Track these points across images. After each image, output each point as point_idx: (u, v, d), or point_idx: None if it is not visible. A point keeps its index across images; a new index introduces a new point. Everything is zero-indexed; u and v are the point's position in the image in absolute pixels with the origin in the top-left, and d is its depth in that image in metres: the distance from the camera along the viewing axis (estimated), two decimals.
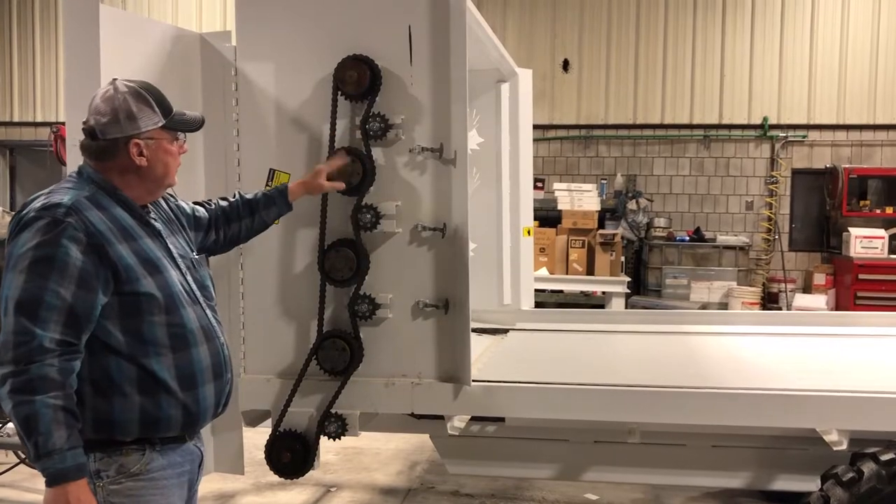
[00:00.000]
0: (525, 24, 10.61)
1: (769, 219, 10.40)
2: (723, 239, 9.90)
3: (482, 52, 4.20)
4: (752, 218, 10.49)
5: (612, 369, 3.58)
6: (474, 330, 3.75)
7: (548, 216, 8.18)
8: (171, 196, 2.56)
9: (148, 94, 2.26)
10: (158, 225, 2.35)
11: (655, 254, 9.63)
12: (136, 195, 2.29)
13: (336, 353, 3.04)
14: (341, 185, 2.95)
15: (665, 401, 2.93)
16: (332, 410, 3.05)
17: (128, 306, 2.16)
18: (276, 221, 2.91)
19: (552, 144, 10.64)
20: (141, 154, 2.24)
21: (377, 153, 3.04)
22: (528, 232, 5.16)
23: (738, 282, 9.51)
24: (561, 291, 8.28)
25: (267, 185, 3.16)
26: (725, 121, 10.53)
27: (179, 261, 2.34)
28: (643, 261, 9.87)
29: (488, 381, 3.13)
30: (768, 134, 10.42)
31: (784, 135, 10.38)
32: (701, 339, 4.39)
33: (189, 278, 2.35)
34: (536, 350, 4.24)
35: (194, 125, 2.36)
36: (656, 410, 2.92)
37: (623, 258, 8.12)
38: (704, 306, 8.94)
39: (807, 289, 10.12)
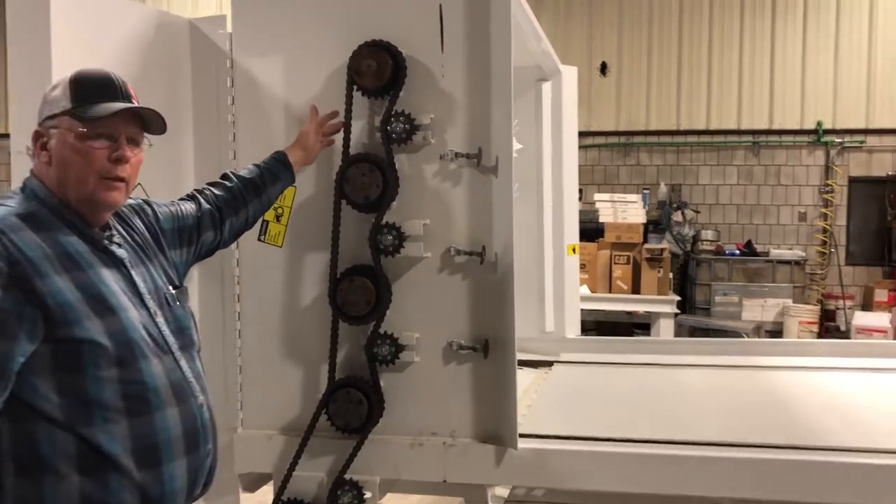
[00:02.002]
0: (560, 25, 10.03)
1: (824, 230, 9.69)
2: (776, 253, 9.19)
3: (522, 45, 3.64)
4: (806, 230, 9.79)
5: (685, 419, 2.97)
6: None
7: (586, 229, 7.58)
8: (149, 206, 2.02)
9: (80, 77, 1.74)
10: (122, 251, 1.82)
11: (703, 269, 8.96)
12: (86, 211, 1.77)
13: (350, 405, 2.47)
14: (338, 125, 2.51)
15: (773, 471, 2.31)
16: (347, 476, 2.48)
17: (65, 357, 1.62)
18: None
19: (590, 152, 10.03)
20: (44, 148, 1.74)
21: (401, 160, 2.49)
22: (574, 250, 4.60)
23: (793, 299, 8.80)
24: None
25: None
26: (776, 126, 9.85)
27: (147, 297, 1.81)
28: (690, 276, 9.20)
29: (538, 437, 2.54)
30: (823, 140, 9.72)
31: (840, 140, 9.67)
32: (778, 375, 3.76)
33: (160, 320, 1.81)
34: (588, 389, 3.64)
35: (106, 113, 1.74)
36: (762, 484, 2.30)
37: (671, 274, 7.48)
38: (759, 326, 8.26)
39: (866, 306, 9.37)
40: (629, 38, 10.07)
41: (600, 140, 10.09)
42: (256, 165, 2.36)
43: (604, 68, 10.07)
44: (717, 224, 9.84)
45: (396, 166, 2.48)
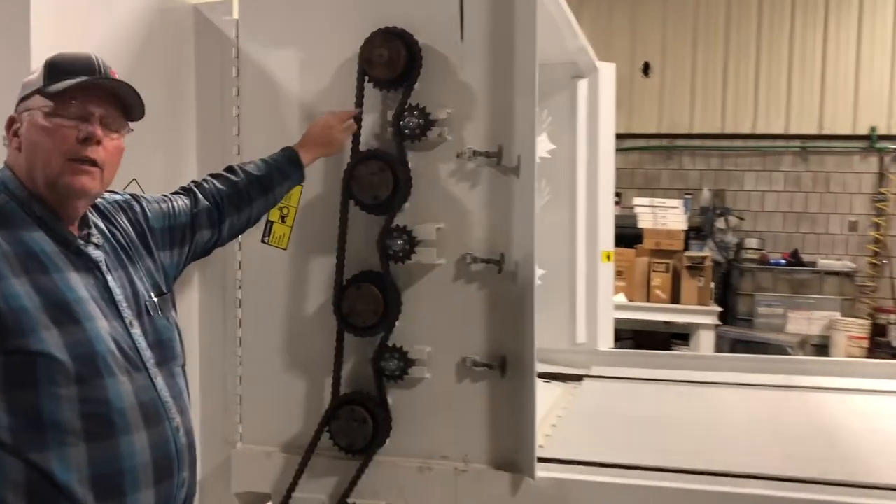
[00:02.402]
0: (602, 24, 9.74)
1: (876, 241, 9.25)
2: (825, 263, 8.80)
3: (556, 39, 3.42)
4: (857, 240, 9.36)
5: (724, 447, 2.71)
6: (541, 375, 2.96)
7: (624, 234, 7.29)
8: (137, 202, 1.85)
9: (56, 57, 1.60)
10: (98, 253, 1.64)
11: (747, 279, 8.62)
12: (55, 202, 1.60)
13: (354, 424, 2.27)
14: (354, 126, 2.30)
15: None
16: (349, 500, 2.29)
17: (16, 371, 1.45)
18: None
19: (630, 155, 9.72)
20: (16, 134, 1.59)
21: (414, 158, 2.28)
22: (608, 257, 4.34)
23: (841, 312, 8.41)
24: None
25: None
26: (826, 131, 9.45)
27: (124, 305, 1.63)
28: (732, 286, 8.85)
29: (560, 462, 2.31)
30: (876, 146, 9.29)
31: (895, 147, 9.23)
32: (827, 399, 3.47)
33: (136, 331, 1.63)
34: (619, 408, 3.39)
35: (71, 84, 1.55)
36: None
37: (712, 284, 7.16)
38: (804, 340, 7.90)
39: None
40: (673, 37, 9.76)
41: (641, 142, 9.79)
42: (265, 161, 2.17)
43: (646, 68, 9.77)
44: (762, 232, 9.48)
45: (409, 165, 2.27)
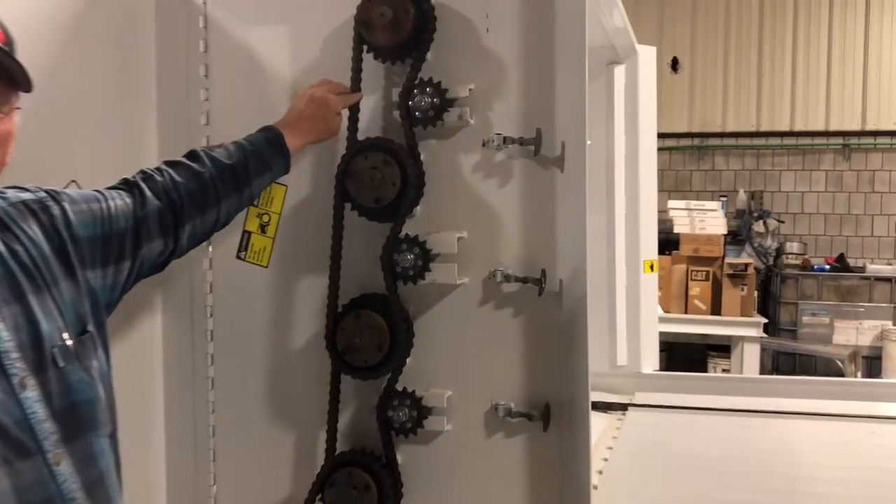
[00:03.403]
0: (627, 17, 9.22)
1: None
2: (873, 268, 8.18)
3: (590, 16, 2.94)
4: None
5: (800, 496, 2.19)
6: None
7: (658, 240, 6.76)
8: (55, 203, 1.35)
9: None
10: None
11: (789, 286, 8.02)
12: None
13: (354, 492, 1.76)
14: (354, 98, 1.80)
15: None
16: None
17: None
18: None
19: (660, 156, 9.15)
20: None
21: (427, 148, 1.78)
22: (651, 267, 3.85)
23: (893, 321, 7.79)
24: None
25: (255, 197, 1.92)
26: (870, 127, 8.88)
27: (12, 357, 1.16)
28: (773, 294, 8.27)
29: None
30: None
31: None
32: None
33: (30, 395, 1.14)
34: (678, 447, 2.87)
35: None
36: None
37: (756, 293, 6.62)
38: (855, 352, 7.31)
39: None
40: (704, 30, 9.22)
41: (671, 142, 9.25)
42: (239, 145, 1.65)
43: (675, 64, 9.23)
44: (803, 236, 8.90)
45: (421, 157, 1.77)
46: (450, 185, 1.77)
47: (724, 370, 7.18)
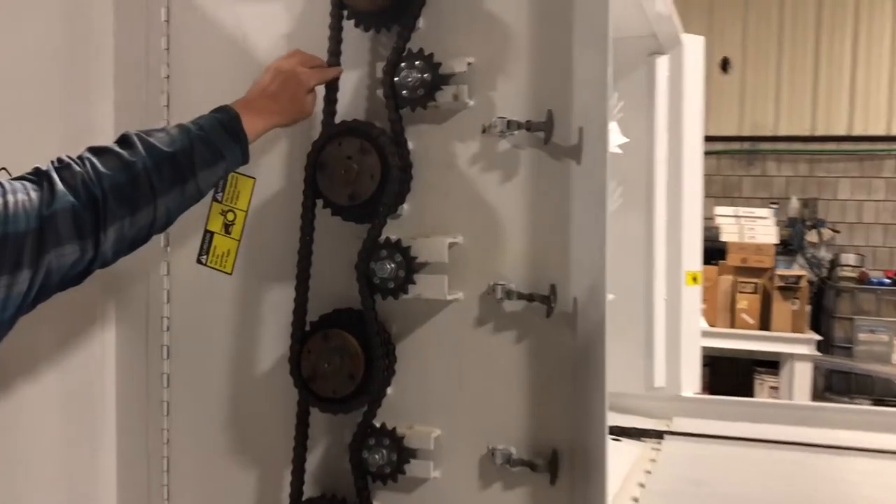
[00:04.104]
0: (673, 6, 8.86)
1: None
2: None
3: (631, 2, 2.66)
4: None
5: None
6: (610, 430, 2.15)
7: (704, 249, 6.38)
8: None
9: None
10: None
11: (844, 300, 7.60)
12: None
13: None
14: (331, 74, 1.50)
15: None
16: None
17: None
18: None
19: (707, 160, 8.75)
20: None
21: (415, 134, 1.48)
22: (694, 279, 3.51)
23: None
24: None
25: (218, 193, 1.64)
26: None
27: None
28: (826, 308, 7.81)
29: None
30: None
31: None
32: None
33: None
34: (718, 487, 2.50)
35: None
36: None
37: (808, 307, 6.20)
38: None
39: None
40: (756, 28, 8.82)
41: (720, 146, 8.88)
42: (184, 129, 1.35)
43: (725, 64, 8.87)
44: (860, 247, 8.46)
45: (408, 144, 1.46)
46: (441, 180, 1.46)
47: (771, 387, 6.77)
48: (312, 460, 1.55)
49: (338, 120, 1.48)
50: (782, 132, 8.84)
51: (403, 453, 1.46)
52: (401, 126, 1.44)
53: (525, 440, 1.43)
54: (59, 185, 1.19)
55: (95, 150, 1.27)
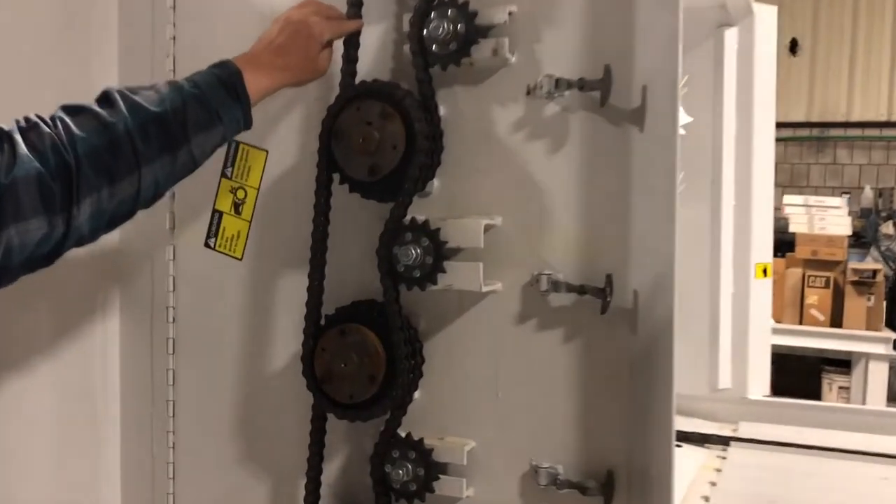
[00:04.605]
0: None
1: None
2: None
3: None
4: None
5: None
6: None
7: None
8: None
9: None
10: None
11: None
12: None
13: None
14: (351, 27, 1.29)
15: None
16: None
17: None
18: None
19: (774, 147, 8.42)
20: None
21: (448, 97, 1.27)
22: (765, 272, 3.24)
23: None
24: None
25: (227, 168, 1.45)
26: None
27: None
28: None
29: None
30: None
31: None
32: None
33: None
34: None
35: None
36: None
37: (885, 303, 5.82)
38: None
39: None
40: (828, 8, 8.39)
41: (787, 132, 8.48)
42: (176, 86, 1.15)
43: (794, 46, 8.47)
44: None
45: (438, 109, 1.25)
46: (477, 151, 1.25)
47: (840, 387, 6.39)
48: (330, 471, 1.36)
49: (358, 81, 1.28)
50: (855, 118, 8.42)
51: (432, 468, 1.26)
52: (430, 87, 1.23)
53: (574, 457, 1.21)
54: (23, 148, 1.01)
55: (69, 109, 1.08)
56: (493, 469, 1.27)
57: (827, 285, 5.72)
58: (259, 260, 1.45)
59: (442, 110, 1.26)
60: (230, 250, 1.46)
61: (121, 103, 1.09)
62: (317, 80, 1.28)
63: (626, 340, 1.18)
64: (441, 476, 1.26)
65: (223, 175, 1.45)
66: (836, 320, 5.72)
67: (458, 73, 1.24)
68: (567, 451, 1.22)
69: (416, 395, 1.29)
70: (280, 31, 1.23)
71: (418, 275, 1.22)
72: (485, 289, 1.22)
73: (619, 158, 1.18)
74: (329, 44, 1.27)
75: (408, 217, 1.23)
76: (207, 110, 1.14)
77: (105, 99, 1.10)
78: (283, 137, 1.41)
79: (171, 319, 1.52)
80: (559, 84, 1.18)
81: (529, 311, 1.24)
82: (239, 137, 1.45)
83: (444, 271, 1.21)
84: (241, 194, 1.45)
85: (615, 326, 1.18)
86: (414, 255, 1.21)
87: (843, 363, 6.40)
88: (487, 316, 1.26)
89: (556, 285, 1.20)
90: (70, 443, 1.52)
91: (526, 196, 1.23)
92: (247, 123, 1.19)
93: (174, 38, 1.50)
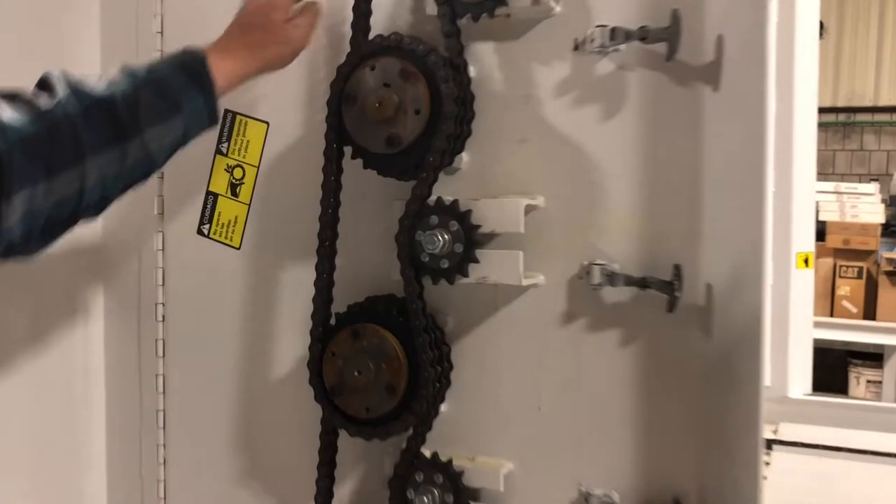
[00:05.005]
0: None
1: None
2: None
3: None
4: None
5: None
6: None
7: None
8: None
9: None
10: None
11: None
12: None
13: None
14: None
15: None
16: None
17: None
18: None
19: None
20: None
21: (480, 55, 1.07)
22: (806, 261, 3.03)
23: None
24: None
25: (222, 143, 1.26)
26: None
27: None
28: None
29: None
30: None
31: None
32: None
33: None
34: None
35: None
36: None
37: None
38: None
39: None
40: None
41: None
42: (129, 72, 0.95)
43: (819, 29, 8.16)
44: None
45: (469, 69, 1.05)
46: (515, 118, 1.06)
47: (869, 381, 6.17)
48: (342, 495, 1.17)
49: (372, 36, 1.08)
50: (883, 102, 8.19)
51: (462, 495, 1.06)
52: (459, 42, 1.03)
53: (633, 483, 1.02)
54: None
55: (7, 95, 0.89)
56: (534, 495, 1.07)
57: (860, 276, 5.49)
58: (259, 249, 1.26)
59: (472, 70, 1.06)
60: (226, 238, 1.27)
61: (60, 87, 0.89)
62: (326, 37, 1.09)
63: (697, 344, 0.98)
64: (473, 503, 1.07)
65: (218, 151, 1.26)
66: (870, 312, 5.51)
67: (492, 25, 1.04)
68: (624, 475, 1.02)
69: (443, 408, 1.09)
70: (243, 5, 1.03)
71: (446, 265, 1.02)
72: (525, 282, 1.02)
73: (688, 123, 0.98)
74: (308, 11, 1.06)
75: (433, 197, 1.03)
76: (164, 97, 0.94)
77: (45, 84, 0.90)
78: (286, 106, 1.21)
79: (160, 318, 1.33)
80: (615, 35, 0.98)
81: (578, 308, 1.04)
82: (235, 108, 1.28)
83: (476, 261, 1.01)
84: (238, 173, 1.26)
85: (684, 327, 0.98)
86: (440, 242, 1.01)
87: (871, 356, 6.18)
88: (528, 314, 1.06)
89: (611, 278, 1.00)
90: (49, 463, 1.34)
91: (574, 171, 1.04)
92: (212, 116, 0.99)
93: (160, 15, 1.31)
